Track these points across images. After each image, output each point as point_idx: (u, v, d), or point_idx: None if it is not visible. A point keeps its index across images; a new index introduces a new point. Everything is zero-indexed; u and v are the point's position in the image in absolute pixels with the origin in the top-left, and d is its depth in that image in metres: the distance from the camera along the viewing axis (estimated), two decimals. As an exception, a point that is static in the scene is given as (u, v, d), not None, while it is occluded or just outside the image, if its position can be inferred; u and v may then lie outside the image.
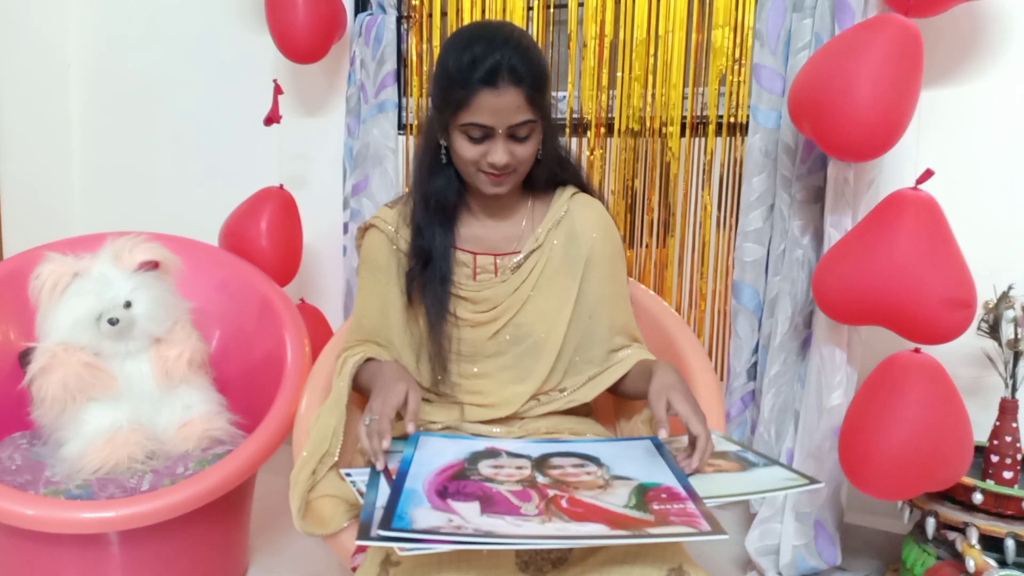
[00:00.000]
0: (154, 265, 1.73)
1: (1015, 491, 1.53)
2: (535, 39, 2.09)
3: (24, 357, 1.70)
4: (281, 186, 2.21)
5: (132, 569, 1.60)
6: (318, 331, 2.10)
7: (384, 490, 1.05)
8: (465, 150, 1.25)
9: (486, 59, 1.18)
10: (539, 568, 1.05)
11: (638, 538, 0.93)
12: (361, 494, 1.07)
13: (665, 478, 1.09)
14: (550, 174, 1.39)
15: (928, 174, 1.50)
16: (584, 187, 1.45)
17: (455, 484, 1.06)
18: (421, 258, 1.33)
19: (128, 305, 1.66)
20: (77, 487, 1.55)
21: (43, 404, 1.63)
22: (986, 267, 1.57)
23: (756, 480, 1.12)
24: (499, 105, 1.20)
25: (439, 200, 1.33)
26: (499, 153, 1.24)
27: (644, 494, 1.04)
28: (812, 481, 1.10)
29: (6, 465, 1.65)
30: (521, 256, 1.37)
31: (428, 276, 1.33)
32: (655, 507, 1.00)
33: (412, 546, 0.92)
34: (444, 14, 2.20)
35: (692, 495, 1.03)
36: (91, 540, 1.55)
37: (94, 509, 1.47)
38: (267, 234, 2.12)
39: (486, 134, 1.23)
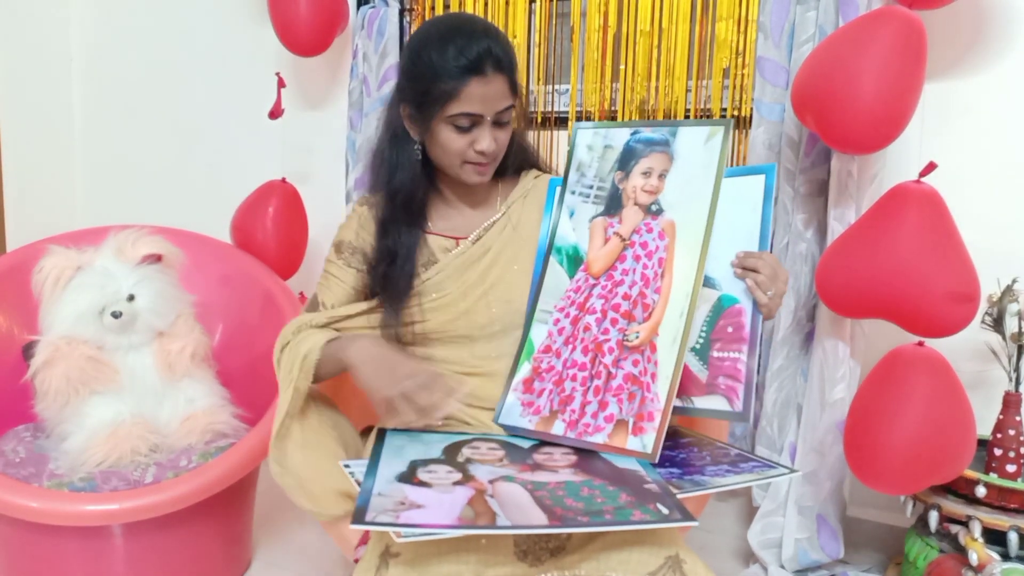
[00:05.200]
0: (157, 259, 1.73)
1: (1018, 484, 1.53)
2: (537, 32, 2.10)
3: (27, 350, 1.70)
4: (284, 179, 2.21)
5: (135, 561, 1.60)
6: (320, 325, 2.10)
7: (383, 477, 1.06)
8: (452, 142, 1.27)
9: (471, 49, 1.21)
10: (537, 557, 1.06)
11: (653, 523, 0.97)
12: (359, 484, 1.08)
13: (743, 296, 1.20)
14: (518, 161, 1.44)
15: (931, 167, 1.49)
16: (545, 171, 1.49)
17: None
18: (387, 257, 1.34)
19: (131, 299, 1.67)
20: (80, 480, 1.56)
21: (46, 397, 1.64)
22: (990, 261, 1.57)
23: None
24: (488, 93, 1.24)
25: (405, 197, 1.34)
26: (487, 140, 1.27)
27: (716, 321, 1.21)
28: (783, 472, 1.14)
29: (10, 458, 1.66)
30: (481, 228, 1.38)
31: (391, 274, 1.33)
32: (714, 354, 1.20)
33: (409, 531, 0.93)
34: (447, 6, 2.20)
35: (753, 331, 1.18)
36: (95, 532, 1.56)
37: (97, 502, 1.48)
38: (272, 228, 2.13)
39: (474, 122, 1.26)
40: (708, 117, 1.97)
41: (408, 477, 1.07)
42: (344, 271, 1.38)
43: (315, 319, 1.31)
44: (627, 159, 1.29)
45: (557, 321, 1.28)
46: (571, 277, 1.29)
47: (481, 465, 1.12)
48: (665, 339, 1.18)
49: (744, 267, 1.19)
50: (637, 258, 1.24)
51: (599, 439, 1.17)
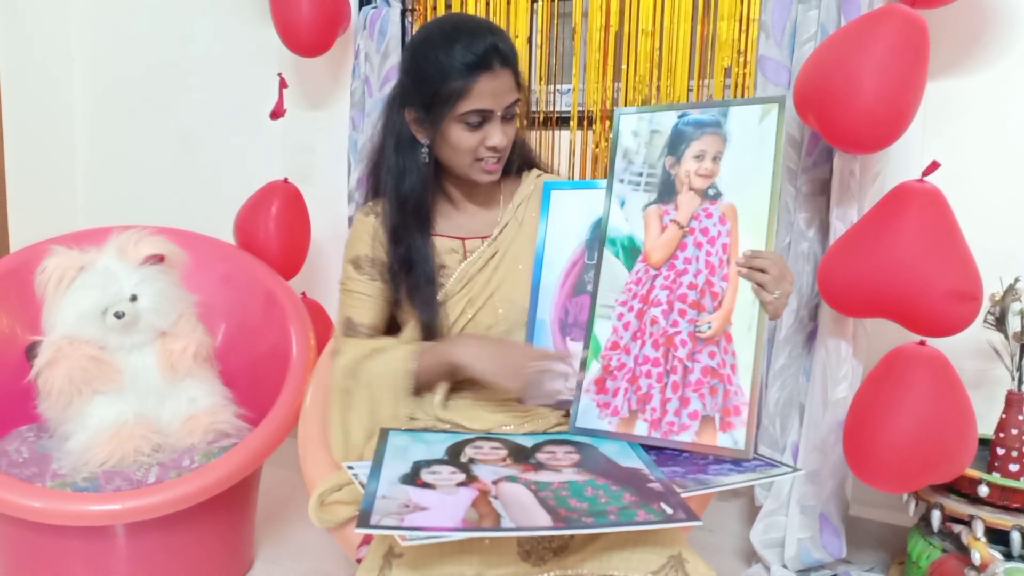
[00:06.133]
0: (159, 259, 1.73)
1: (1021, 484, 1.52)
2: (539, 31, 2.10)
3: (30, 351, 1.71)
4: (286, 180, 2.21)
5: (138, 561, 1.60)
6: (319, 326, 2.10)
7: (387, 479, 1.06)
8: (464, 140, 1.27)
9: (478, 45, 1.22)
10: (540, 557, 1.06)
11: (649, 525, 0.96)
12: (363, 486, 1.07)
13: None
14: (520, 158, 1.44)
15: (934, 166, 1.49)
16: (545, 169, 1.49)
17: None
18: (404, 265, 1.34)
19: (133, 299, 1.67)
20: (83, 480, 1.56)
21: (49, 397, 1.64)
22: (992, 259, 1.56)
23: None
24: (497, 88, 1.24)
25: (415, 202, 1.34)
26: (497, 135, 1.27)
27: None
28: (787, 471, 1.14)
29: (13, 458, 1.66)
30: (496, 231, 1.39)
31: (412, 280, 1.34)
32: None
33: (414, 534, 0.93)
34: (448, 6, 2.20)
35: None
36: (98, 532, 1.56)
37: (100, 502, 1.48)
38: (274, 228, 2.13)
39: (484, 119, 1.26)
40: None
41: (412, 478, 1.07)
42: (369, 286, 1.38)
43: (379, 343, 1.33)
44: (676, 143, 1.26)
45: (621, 316, 1.25)
46: (629, 269, 1.26)
47: (484, 465, 1.12)
48: (740, 328, 1.15)
49: (751, 267, 1.17)
50: (699, 245, 1.21)
51: (687, 438, 1.15)
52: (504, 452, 1.18)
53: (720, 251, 1.19)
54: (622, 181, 1.30)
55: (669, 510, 0.99)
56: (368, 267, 1.38)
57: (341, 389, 1.31)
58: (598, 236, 1.30)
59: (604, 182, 1.33)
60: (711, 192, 1.21)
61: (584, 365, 1.27)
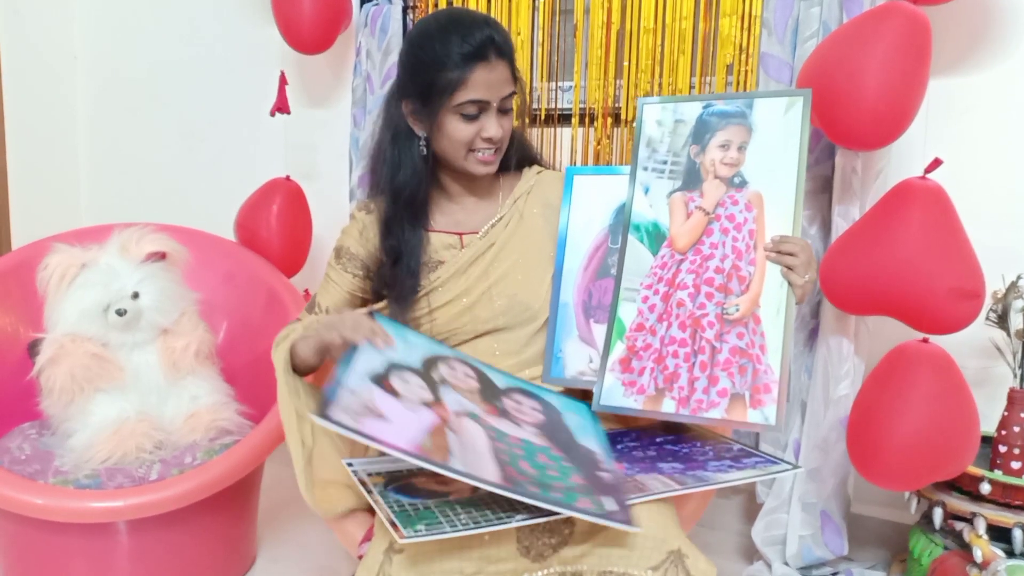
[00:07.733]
0: (161, 256, 1.74)
1: (1023, 481, 1.52)
2: (541, 28, 2.10)
3: (32, 348, 1.71)
4: (287, 177, 2.22)
5: (140, 558, 1.61)
6: (323, 322, 2.11)
7: (358, 372, 1.06)
8: (460, 131, 1.28)
9: (474, 37, 1.23)
10: (540, 553, 1.06)
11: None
12: (363, 483, 1.08)
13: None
14: (519, 155, 1.45)
15: (936, 163, 1.49)
16: (546, 166, 1.50)
17: None
18: (391, 256, 1.35)
19: (135, 296, 1.67)
20: (86, 477, 1.56)
21: (51, 394, 1.65)
22: (995, 257, 1.56)
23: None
24: (492, 79, 1.26)
25: (409, 195, 1.35)
26: (493, 127, 1.29)
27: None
28: (786, 468, 1.15)
29: (15, 455, 1.66)
30: (488, 225, 1.39)
31: (395, 272, 1.35)
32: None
33: (411, 534, 0.93)
34: (450, 2, 2.20)
35: None
36: (100, 529, 1.56)
37: (102, 499, 1.49)
38: (276, 225, 2.13)
39: (481, 109, 1.27)
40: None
41: (381, 379, 1.07)
42: (341, 276, 1.40)
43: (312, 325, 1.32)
44: (701, 132, 1.28)
45: (646, 299, 1.26)
46: (654, 254, 1.28)
47: (453, 391, 1.12)
48: (768, 310, 1.18)
49: (780, 251, 1.20)
50: (725, 231, 1.23)
51: (716, 414, 1.17)
52: (475, 384, 1.18)
53: (747, 236, 1.22)
54: (646, 169, 1.32)
55: (609, 507, 0.98)
56: (346, 260, 1.41)
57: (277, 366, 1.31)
58: (621, 221, 1.32)
59: (627, 168, 1.35)
60: (736, 180, 1.25)
61: (608, 346, 1.27)
